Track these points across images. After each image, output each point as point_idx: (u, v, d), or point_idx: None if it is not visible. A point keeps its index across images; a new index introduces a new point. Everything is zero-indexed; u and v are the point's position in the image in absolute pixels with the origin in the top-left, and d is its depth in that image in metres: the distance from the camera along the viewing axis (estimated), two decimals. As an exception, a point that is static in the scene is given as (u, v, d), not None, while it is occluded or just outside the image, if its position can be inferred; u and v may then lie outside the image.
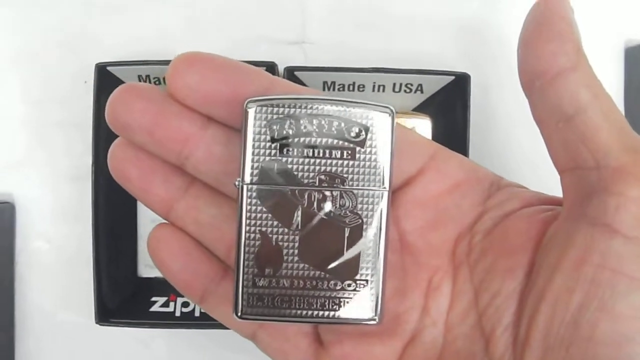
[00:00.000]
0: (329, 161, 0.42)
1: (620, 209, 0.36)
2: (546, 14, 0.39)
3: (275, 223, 0.42)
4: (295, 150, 0.41)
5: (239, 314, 0.42)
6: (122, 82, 0.66)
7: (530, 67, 0.39)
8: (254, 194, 0.42)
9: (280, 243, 0.42)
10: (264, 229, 0.42)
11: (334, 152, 0.42)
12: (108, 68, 0.64)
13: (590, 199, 0.38)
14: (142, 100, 0.43)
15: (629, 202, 0.36)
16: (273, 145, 0.41)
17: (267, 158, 0.41)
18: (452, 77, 0.64)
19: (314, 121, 0.41)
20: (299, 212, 0.42)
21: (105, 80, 0.64)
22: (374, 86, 0.66)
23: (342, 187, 0.42)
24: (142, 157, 0.45)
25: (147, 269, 0.71)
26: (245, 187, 0.41)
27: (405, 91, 0.66)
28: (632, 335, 0.35)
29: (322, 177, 0.42)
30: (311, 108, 0.41)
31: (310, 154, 0.41)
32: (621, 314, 0.36)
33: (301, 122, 0.41)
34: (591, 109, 0.38)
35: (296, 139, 0.41)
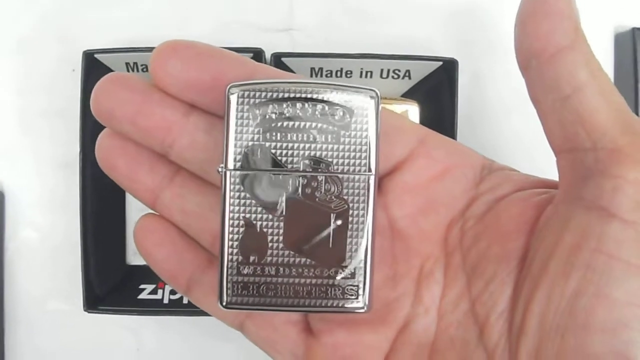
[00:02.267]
0: (313, 145, 0.41)
1: (617, 191, 0.36)
2: None
3: (260, 209, 0.41)
4: (279, 134, 0.41)
5: (224, 303, 0.42)
6: (110, 69, 0.66)
7: (527, 45, 0.39)
8: (238, 180, 0.41)
9: (265, 230, 0.42)
10: (248, 215, 0.41)
11: (318, 136, 0.41)
12: (96, 55, 0.64)
13: (587, 182, 0.37)
14: (125, 90, 0.43)
15: (626, 185, 0.36)
16: (256, 130, 0.41)
17: (250, 143, 0.41)
18: (440, 63, 0.64)
19: (298, 105, 0.41)
20: (284, 198, 0.42)
21: (93, 67, 0.64)
22: (361, 72, 0.66)
23: (327, 171, 0.41)
24: (128, 146, 0.45)
25: (135, 256, 0.71)
26: (228, 173, 0.41)
27: (393, 77, 0.66)
28: (627, 321, 0.35)
29: (307, 161, 0.41)
30: (294, 92, 0.41)
31: (294, 139, 0.41)
32: (617, 300, 0.35)
33: (284, 106, 0.41)
34: (589, 89, 0.37)
35: (279, 124, 0.41)
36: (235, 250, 0.42)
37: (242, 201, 0.41)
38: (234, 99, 0.41)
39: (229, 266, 0.42)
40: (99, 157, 0.45)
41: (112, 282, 0.68)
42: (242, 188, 0.41)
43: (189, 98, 0.43)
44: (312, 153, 0.41)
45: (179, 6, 0.70)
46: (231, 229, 0.42)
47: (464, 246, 0.44)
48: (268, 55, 0.64)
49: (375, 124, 0.41)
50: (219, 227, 0.42)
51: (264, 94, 0.41)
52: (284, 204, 0.42)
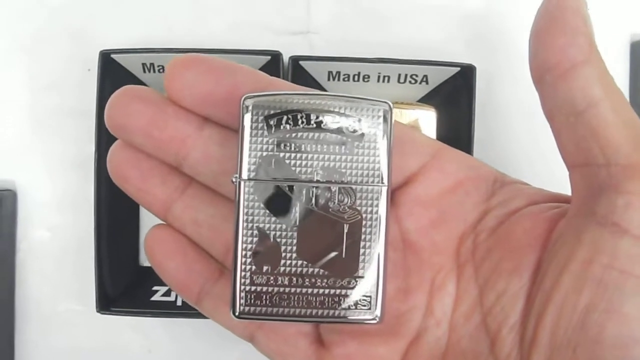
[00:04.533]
0: (326, 156, 0.41)
1: (629, 207, 0.36)
2: (559, 7, 0.38)
3: (273, 219, 0.41)
4: (293, 145, 0.41)
5: (237, 313, 0.42)
6: (125, 69, 0.66)
7: (541, 60, 0.39)
8: (252, 190, 0.41)
9: (279, 239, 0.42)
10: (261, 225, 0.41)
11: (331, 147, 0.41)
12: (112, 55, 0.64)
13: (600, 197, 0.37)
14: (140, 103, 0.44)
15: (638, 201, 0.36)
16: (270, 141, 0.41)
17: (265, 154, 0.41)
18: (458, 69, 0.64)
19: (311, 116, 0.41)
20: (297, 208, 0.42)
21: (109, 67, 0.64)
22: (378, 77, 0.66)
23: (340, 182, 0.41)
24: (140, 158, 0.45)
25: (149, 258, 0.71)
26: (242, 183, 0.41)
27: (410, 82, 0.66)
28: (639, 337, 0.35)
29: (320, 172, 0.41)
30: (308, 103, 0.41)
31: (308, 149, 0.41)
32: (629, 315, 0.35)
33: (298, 117, 0.41)
34: (603, 105, 0.37)
35: (293, 134, 0.41)
36: (248, 260, 0.42)
37: (256, 211, 0.41)
38: (248, 109, 0.41)
39: (242, 276, 0.42)
40: (111, 168, 0.46)
41: (125, 283, 0.68)
42: (256, 198, 0.41)
43: (203, 111, 0.44)
44: (326, 164, 0.41)
45: (195, 8, 0.70)
46: (245, 238, 0.42)
47: (476, 259, 0.44)
48: (286, 59, 0.63)
49: (388, 135, 0.42)
50: (232, 237, 0.42)
51: (278, 104, 0.41)
52: (297, 214, 0.42)
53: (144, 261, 0.72)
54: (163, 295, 0.67)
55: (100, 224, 0.64)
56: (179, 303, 0.66)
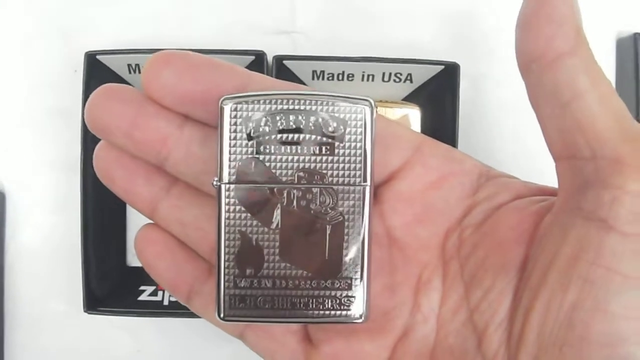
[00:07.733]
0: (307, 157, 0.41)
1: (615, 203, 0.35)
2: None
3: (255, 222, 0.41)
4: (273, 147, 0.41)
5: (222, 315, 0.42)
6: (111, 70, 0.66)
7: (527, 49, 0.38)
8: (232, 194, 0.41)
9: (261, 243, 0.41)
10: (243, 228, 0.41)
11: (312, 148, 0.41)
12: (98, 57, 0.64)
13: (586, 191, 0.37)
14: (119, 103, 0.43)
15: (625, 196, 0.35)
16: (250, 143, 0.41)
17: (245, 156, 0.41)
18: (442, 67, 0.64)
19: (291, 117, 0.41)
20: (279, 211, 0.41)
21: (95, 68, 0.64)
22: (363, 75, 0.66)
23: (321, 183, 0.41)
24: (125, 158, 0.45)
25: (135, 258, 0.71)
26: (223, 186, 0.41)
27: (394, 80, 0.66)
28: (626, 335, 0.35)
29: (301, 174, 0.41)
30: (288, 104, 0.41)
31: (289, 151, 0.41)
32: (615, 313, 0.35)
33: (278, 118, 0.41)
34: (589, 95, 0.36)
35: (273, 136, 0.41)
36: (231, 264, 0.41)
37: (237, 214, 0.41)
38: (227, 111, 0.40)
39: (226, 279, 0.42)
40: (97, 169, 0.45)
41: (112, 283, 0.68)
42: (237, 201, 0.41)
43: (183, 110, 0.43)
44: (307, 165, 0.41)
45: (181, 8, 0.70)
46: (227, 242, 0.41)
47: (461, 255, 0.43)
48: (270, 58, 0.63)
49: (370, 134, 0.41)
50: (215, 240, 0.42)
51: (257, 106, 0.40)
52: (279, 217, 0.41)
53: (131, 261, 0.72)
54: (150, 295, 0.67)
55: (87, 224, 0.64)
56: (165, 303, 0.67)
